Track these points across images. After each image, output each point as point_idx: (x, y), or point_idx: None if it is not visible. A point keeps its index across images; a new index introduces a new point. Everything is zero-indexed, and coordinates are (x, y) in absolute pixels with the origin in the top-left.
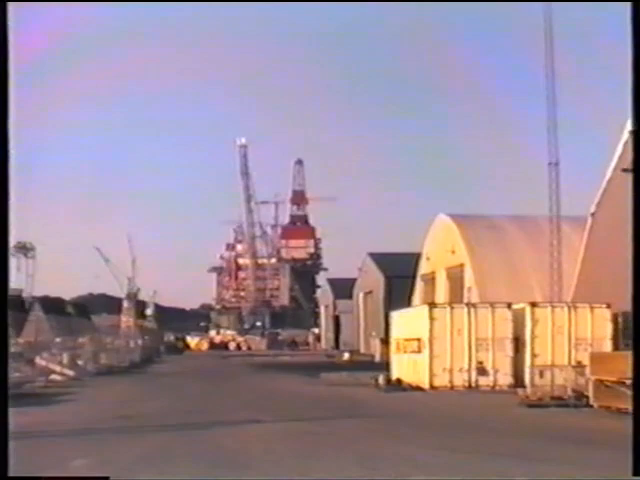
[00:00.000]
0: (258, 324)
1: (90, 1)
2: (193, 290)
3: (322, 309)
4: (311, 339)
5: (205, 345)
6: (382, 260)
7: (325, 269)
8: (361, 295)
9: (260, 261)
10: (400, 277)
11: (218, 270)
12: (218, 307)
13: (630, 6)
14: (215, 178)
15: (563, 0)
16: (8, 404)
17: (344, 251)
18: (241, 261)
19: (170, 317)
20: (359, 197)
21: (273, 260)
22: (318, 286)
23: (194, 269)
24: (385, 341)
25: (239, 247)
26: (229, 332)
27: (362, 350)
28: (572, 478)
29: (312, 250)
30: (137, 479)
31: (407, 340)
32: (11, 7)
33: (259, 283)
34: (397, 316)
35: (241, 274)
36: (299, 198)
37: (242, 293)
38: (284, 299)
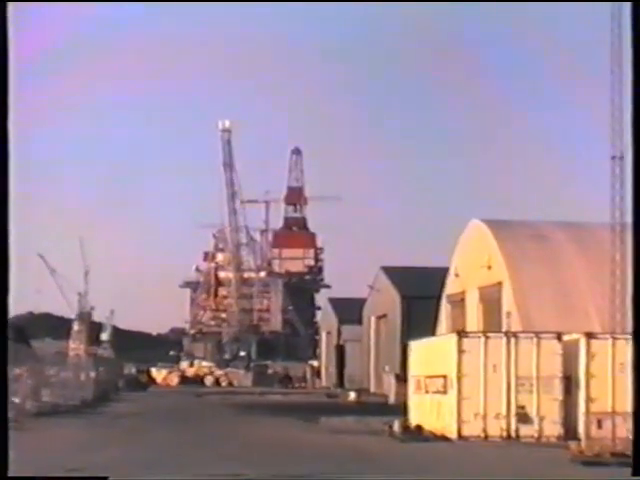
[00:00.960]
0: (242, 354)
1: (90, 1)
2: (161, 310)
3: (323, 336)
4: (309, 374)
5: (175, 379)
6: (399, 276)
7: (327, 286)
8: (372, 319)
9: (246, 275)
10: (421, 298)
11: (193, 286)
12: (192, 332)
13: (630, 6)
14: (192, 171)
15: (567, 0)
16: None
17: (351, 264)
18: (222, 274)
19: (132, 344)
20: (369, 197)
21: (262, 274)
22: (318, 307)
23: (163, 284)
24: (402, 378)
25: (220, 257)
26: (205, 364)
27: (372, 389)
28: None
29: (311, 262)
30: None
31: (430, 377)
32: (11, 7)
33: (244, 302)
34: (417, 347)
35: (222, 291)
36: (296, 196)
37: (223, 315)
38: (275, 323)
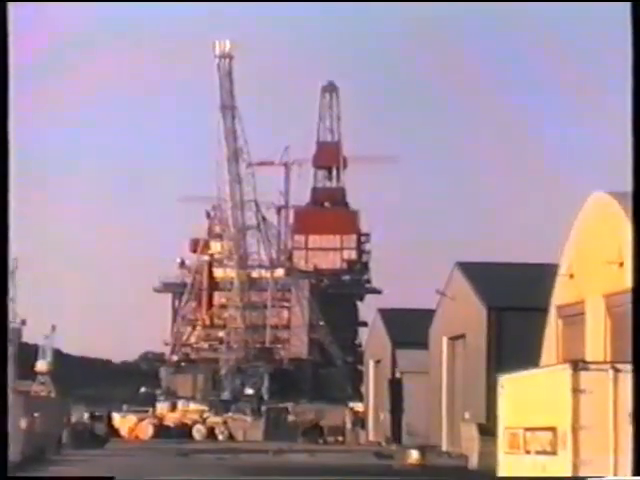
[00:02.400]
0: (249, 392)
1: (90, 0)
2: (128, 326)
3: (370, 366)
4: (349, 422)
5: (149, 430)
6: (483, 277)
7: (377, 291)
8: (444, 342)
9: (255, 274)
10: (517, 310)
11: (176, 289)
12: (175, 359)
13: (630, 6)
14: (176, 117)
15: (566, 0)
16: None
17: (411, 259)
18: (220, 273)
19: (83, 376)
20: (438, 160)
21: (280, 272)
22: (363, 323)
23: (131, 286)
24: (489, 430)
25: (216, 246)
26: (194, 406)
27: (445, 446)
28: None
29: (353, 255)
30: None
31: (531, 430)
32: (11, 7)
33: (253, 315)
34: (512, 384)
35: (219, 297)
36: (330, 156)
37: (220, 333)
38: (299, 346)
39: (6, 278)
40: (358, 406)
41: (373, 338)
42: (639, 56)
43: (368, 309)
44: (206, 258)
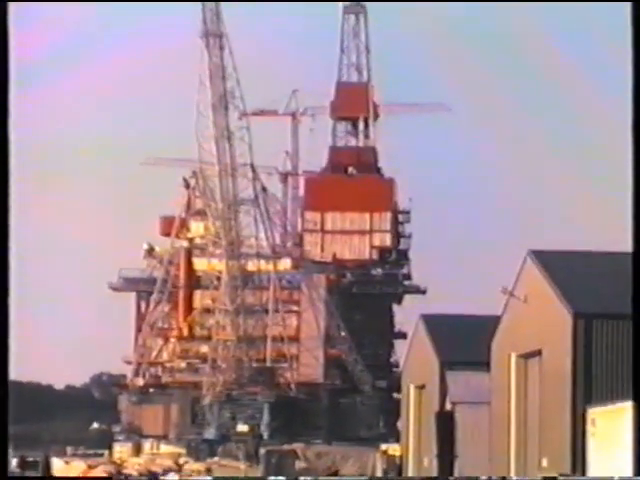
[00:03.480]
0: (243, 429)
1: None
2: (75, 338)
3: (410, 393)
4: (380, 470)
5: None
6: (565, 273)
7: (419, 291)
8: (513, 360)
9: (251, 265)
10: (613, 317)
11: (141, 286)
12: (139, 382)
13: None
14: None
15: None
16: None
17: (466, 246)
18: (202, 264)
19: (12, 406)
20: (500, 112)
21: (285, 263)
22: (401, 335)
23: (78, 283)
24: None
25: (197, 228)
26: (166, 448)
27: None
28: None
29: (386, 240)
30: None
31: None
32: (11, 7)
33: (248, 322)
34: (606, 419)
35: (202, 297)
36: (356, 103)
37: (203, 347)
38: (312, 365)
39: (6, 278)
40: (393, 448)
41: (414, 355)
42: (639, 56)
43: (408, 315)
44: (184, 244)
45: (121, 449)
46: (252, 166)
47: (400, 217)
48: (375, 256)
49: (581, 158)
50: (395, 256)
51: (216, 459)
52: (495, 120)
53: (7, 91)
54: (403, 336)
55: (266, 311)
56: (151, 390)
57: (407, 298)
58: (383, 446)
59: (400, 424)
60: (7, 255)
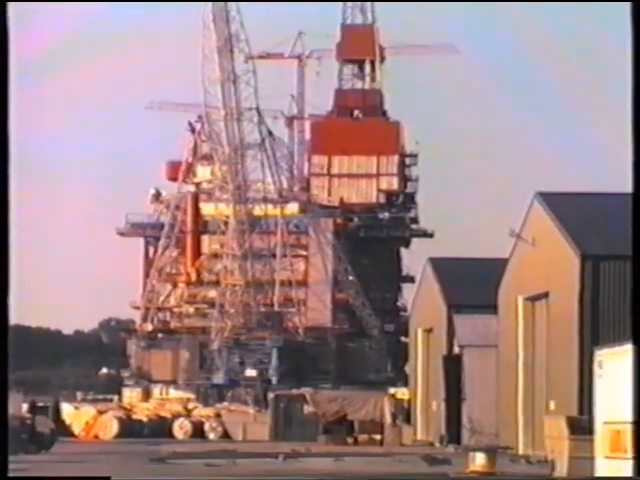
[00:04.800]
0: (251, 373)
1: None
2: (83, 284)
3: (418, 337)
4: (388, 414)
5: (112, 427)
6: (572, 214)
7: (427, 234)
8: (520, 303)
9: (258, 210)
10: (622, 258)
11: (149, 231)
12: (148, 328)
13: (630, 6)
14: None
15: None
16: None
17: (473, 188)
18: (209, 208)
19: (20, 352)
20: (509, 53)
21: (292, 207)
22: (409, 278)
23: (85, 228)
24: (583, 426)
25: (204, 172)
26: (175, 393)
27: (522, 447)
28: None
29: (393, 184)
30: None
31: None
32: (11, 7)
33: (256, 267)
34: (614, 361)
35: (210, 242)
36: (361, 45)
37: (211, 292)
38: (320, 309)
39: (7, 277)
40: (401, 392)
41: (422, 299)
42: (639, 56)
43: (415, 258)
44: (190, 188)
45: (130, 394)
46: (258, 110)
47: (407, 160)
48: (382, 200)
49: (592, 100)
50: (402, 199)
51: (225, 404)
52: (503, 62)
53: (7, 91)
54: (411, 280)
55: (274, 256)
56: (160, 335)
57: (414, 242)
58: (391, 390)
59: (408, 368)
60: (7, 194)
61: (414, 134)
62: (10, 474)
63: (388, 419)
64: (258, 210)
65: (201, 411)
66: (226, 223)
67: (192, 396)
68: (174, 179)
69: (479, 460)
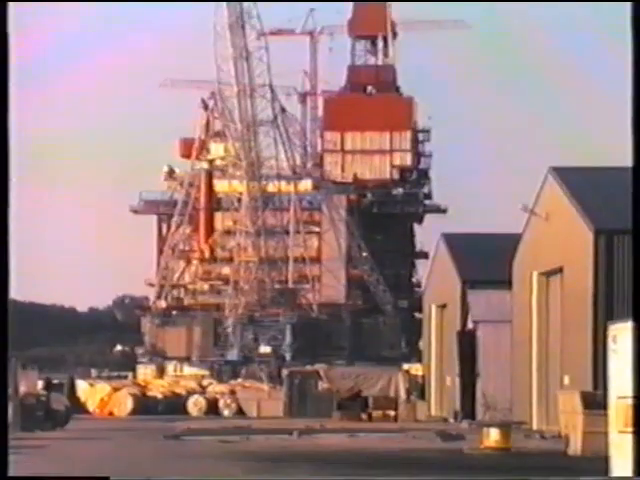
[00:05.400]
0: (265, 349)
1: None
2: (97, 262)
3: (432, 313)
4: (402, 390)
5: (127, 403)
6: (587, 188)
7: (440, 210)
8: (534, 278)
9: (273, 186)
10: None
11: (162, 209)
12: (162, 305)
13: (630, 6)
14: None
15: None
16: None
17: (486, 164)
18: (222, 185)
19: (35, 329)
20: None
21: (305, 184)
22: (422, 254)
23: (98, 205)
24: (597, 401)
25: (217, 149)
26: (190, 370)
27: (536, 422)
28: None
29: (407, 160)
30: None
31: None
32: (11, 7)
33: (270, 243)
34: (628, 336)
35: (223, 219)
36: (374, 21)
37: (225, 269)
38: (334, 286)
39: (7, 273)
40: (415, 368)
41: (436, 275)
42: (639, 56)
43: (429, 234)
44: (204, 165)
45: (145, 371)
46: (271, 86)
47: (420, 136)
48: (396, 175)
49: (608, 74)
50: (416, 175)
51: (239, 381)
52: (516, 36)
53: (7, 90)
54: (424, 256)
55: (287, 232)
56: (174, 312)
57: (428, 217)
58: (405, 366)
59: (422, 344)
60: (7, 255)
61: (427, 110)
62: (26, 451)
63: (402, 395)
64: (271, 187)
65: (215, 388)
66: (239, 200)
67: (206, 373)
68: (187, 156)
69: (493, 436)
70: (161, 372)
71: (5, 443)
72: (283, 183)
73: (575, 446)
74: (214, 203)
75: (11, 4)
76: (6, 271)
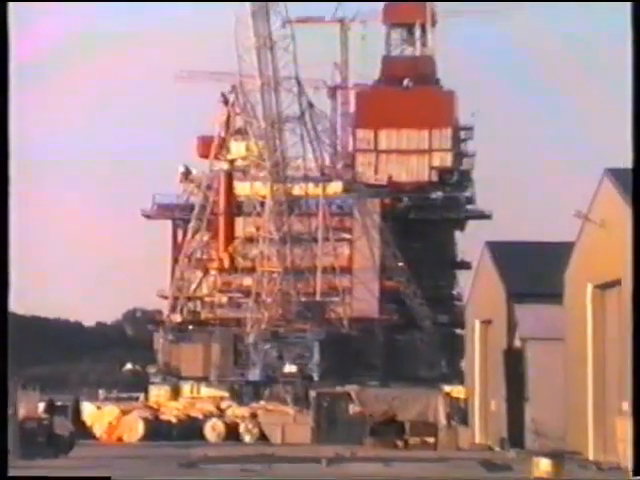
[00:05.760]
0: (291, 369)
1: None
2: (105, 272)
3: (475, 329)
4: (442, 414)
5: (137, 428)
6: None
7: (485, 216)
8: (589, 292)
9: (299, 189)
10: None
11: (177, 213)
12: (176, 319)
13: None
14: None
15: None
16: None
17: (535, 165)
18: (244, 188)
19: (37, 346)
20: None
21: (335, 186)
22: (465, 264)
23: (109, 210)
24: None
25: (238, 148)
26: (207, 391)
27: (592, 452)
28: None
29: (447, 160)
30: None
31: None
32: (11, 7)
33: (296, 252)
34: None
35: (244, 225)
36: (411, 8)
37: (246, 280)
38: (366, 299)
39: (7, 274)
40: (457, 390)
41: (479, 287)
42: (639, 56)
43: (471, 243)
44: (223, 166)
45: (158, 392)
46: (297, 79)
47: (462, 134)
48: (435, 178)
49: None
50: (457, 177)
51: (262, 403)
52: (564, 26)
53: (7, 91)
54: (466, 266)
55: (315, 240)
56: (190, 327)
57: (470, 224)
58: (446, 388)
59: (464, 363)
60: (7, 255)
61: (470, 105)
62: None
63: (442, 420)
64: (298, 189)
65: (235, 411)
66: (262, 204)
67: (225, 394)
68: (205, 156)
69: (544, 466)
70: (175, 393)
71: (5, 443)
72: (311, 185)
73: (635, 478)
74: (234, 207)
75: (11, 4)
76: (5, 283)
